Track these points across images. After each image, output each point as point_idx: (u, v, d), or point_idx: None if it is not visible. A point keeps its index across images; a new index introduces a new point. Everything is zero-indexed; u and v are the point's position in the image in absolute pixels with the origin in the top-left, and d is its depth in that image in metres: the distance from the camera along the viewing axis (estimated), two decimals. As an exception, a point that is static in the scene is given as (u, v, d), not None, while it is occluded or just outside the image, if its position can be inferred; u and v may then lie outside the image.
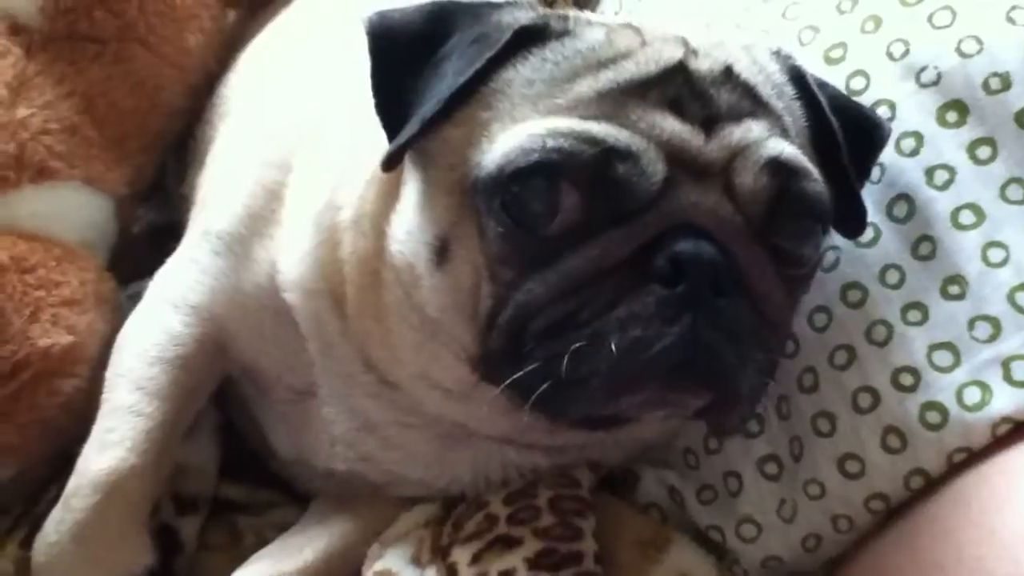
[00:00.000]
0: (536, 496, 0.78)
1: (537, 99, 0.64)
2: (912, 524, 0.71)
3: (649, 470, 0.86)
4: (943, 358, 0.72)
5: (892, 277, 0.75)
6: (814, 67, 0.82)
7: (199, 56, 1.05)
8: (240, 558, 0.86)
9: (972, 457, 0.69)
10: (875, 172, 0.77)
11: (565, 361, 0.60)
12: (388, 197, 0.73)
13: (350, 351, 0.78)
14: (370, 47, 0.68)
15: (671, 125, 0.63)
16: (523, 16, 0.68)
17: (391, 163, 0.67)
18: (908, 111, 0.76)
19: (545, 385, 0.61)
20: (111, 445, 0.80)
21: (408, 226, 0.69)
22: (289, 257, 0.79)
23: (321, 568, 0.82)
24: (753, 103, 0.66)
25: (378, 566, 0.78)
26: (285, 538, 0.86)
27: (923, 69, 0.76)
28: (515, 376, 0.63)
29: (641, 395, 0.64)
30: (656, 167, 0.61)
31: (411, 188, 0.70)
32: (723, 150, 0.64)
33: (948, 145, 0.74)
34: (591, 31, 0.68)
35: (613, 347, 0.59)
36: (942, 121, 0.75)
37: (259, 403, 0.89)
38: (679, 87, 0.65)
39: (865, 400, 0.74)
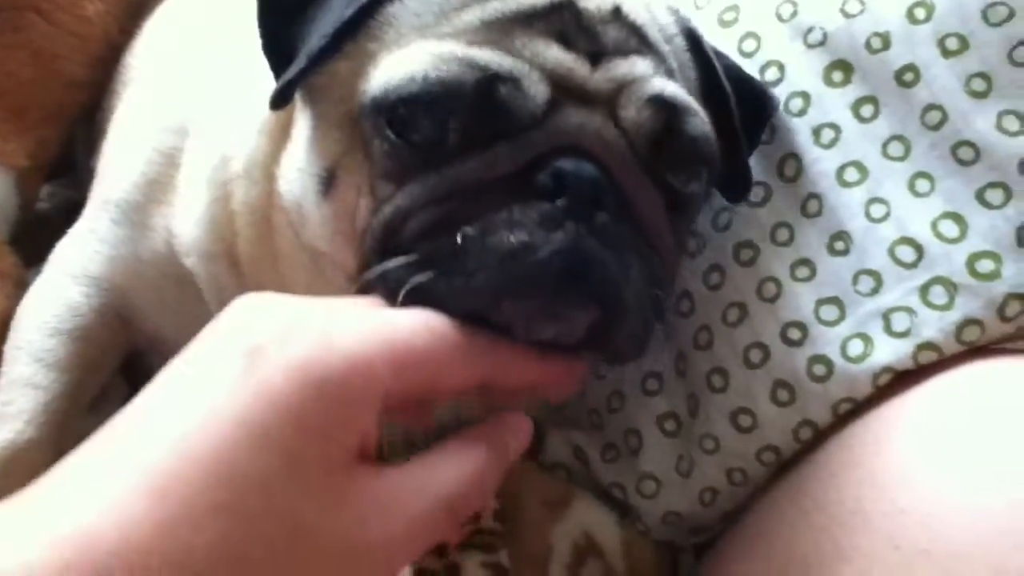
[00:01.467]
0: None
1: (424, 28, 0.64)
2: (799, 472, 0.73)
3: (555, 431, 0.87)
4: (829, 312, 0.74)
5: (782, 235, 0.77)
6: (708, 30, 0.83)
7: (100, 25, 1.03)
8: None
9: (857, 408, 0.72)
10: (766, 133, 0.79)
11: (442, 255, 0.59)
12: (278, 142, 0.72)
13: None
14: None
15: (556, 54, 0.63)
16: None
17: (280, 101, 0.65)
18: (796, 71, 0.78)
19: (420, 277, 0.58)
20: (8, 418, 0.79)
21: (298, 164, 0.69)
22: (186, 221, 0.78)
23: None
24: (640, 42, 0.67)
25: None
26: None
27: (810, 30, 0.78)
28: (386, 267, 0.60)
29: (523, 301, 0.59)
30: (539, 89, 0.61)
31: (301, 127, 0.69)
32: (608, 82, 0.64)
33: (834, 104, 0.76)
34: None
35: (493, 246, 0.58)
36: (828, 81, 0.77)
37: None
38: (566, 21, 0.65)
39: (756, 355, 0.76)
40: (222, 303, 0.78)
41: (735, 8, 0.82)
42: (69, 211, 1.20)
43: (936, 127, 0.72)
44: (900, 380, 0.70)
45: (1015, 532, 0.56)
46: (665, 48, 0.69)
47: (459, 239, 0.58)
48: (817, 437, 0.73)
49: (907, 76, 0.73)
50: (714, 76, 0.73)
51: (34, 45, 0.97)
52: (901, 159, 0.73)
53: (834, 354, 0.72)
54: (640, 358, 0.67)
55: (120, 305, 0.84)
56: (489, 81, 0.60)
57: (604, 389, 0.85)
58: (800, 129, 0.77)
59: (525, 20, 0.63)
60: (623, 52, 0.65)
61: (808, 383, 0.73)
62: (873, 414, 0.71)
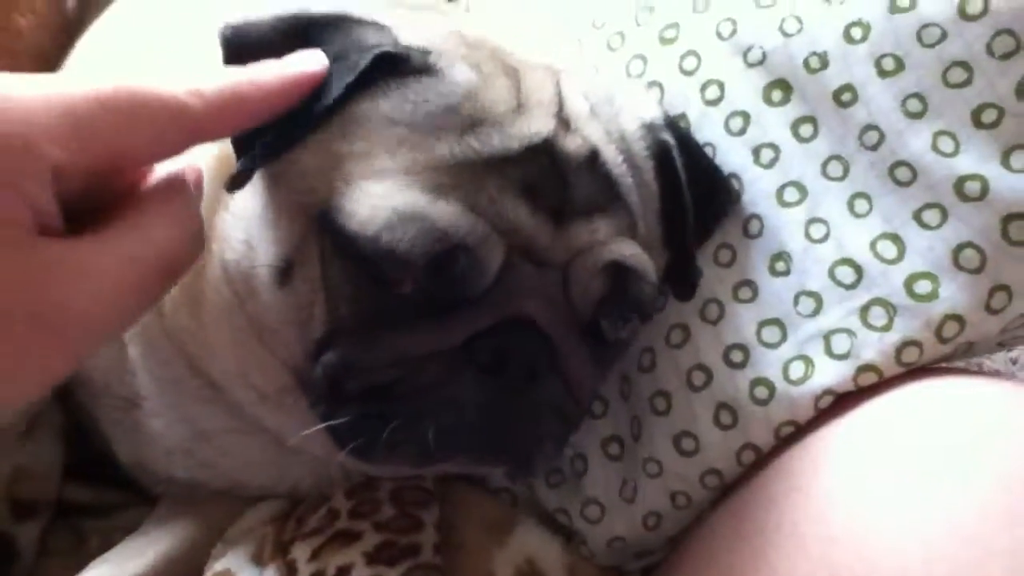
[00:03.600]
0: (378, 489, 0.77)
1: (397, 146, 0.62)
2: (741, 496, 0.72)
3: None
4: (771, 334, 0.73)
5: (724, 256, 0.76)
6: (649, 48, 0.82)
7: (32, 40, 1.00)
8: (84, 563, 0.83)
9: (799, 430, 0.71)
10: (708, 150, 0.78)
11: (376, 424, 0.63)
12: (216, 187, 0.69)
13: (173, 352, 0.75)
14: (225, 60, 0.64)
15: (522, 215, 0.63)
16: (384, 40, 0.65)
17: (237, 184, 0.63)
18: (736, 90, 0.77)
19: (356, 439, 0.64)
20: None
21: (246, 235, 0.66)
22: None
23: (163, 570, 0.80)
24: (608, 196, 0.67)
25: (217, 567, 0.76)
26: (128, 541, 0.83)
27: (749, 48, 0.77)
28: (330, 423, 0.64)
29: (445, 464, 0.68)
30: (495, 257, 0.62)
31: (249, 194, 0.67)
32: (567, 249, 0.65)
33: (773, 123, 0.76)
34: (459, 72, 0.64)
35: (425, 425, 0.62)
36: (768, 100, 0.76)
37: (94, 410, 0.85)
38: (540, 169, 0.64)
39: (699, 378, 0.75)
40: (143, 340, 0.76)
41: (675, 26, 0.81)
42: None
43: (874, 147, 0.72)
44: (840, 401, 0.70)
45: (946, 559, 0.55)
46: (633, 200, 0.68)
47: (397, 417, 0.62)
48: (759, 460, 0.72)
49: (845, 96, 0.73)
50: (678, 187, 0.72)
51: (-39, 61, 0.94)
52: (840, 179, 0.73)
53: (776, 376, 0.72)
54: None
55: None
56: (448, 252, 0.61)
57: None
58: (739, 148, 0.77)
59: (498, 166, 0.62)
60: (589, 210, 0.65)
61: (751, 406, 0.72)
62: (812, 436, 0.70)
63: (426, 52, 0.65)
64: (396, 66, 0.64)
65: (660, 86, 0.80)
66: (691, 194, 0.73)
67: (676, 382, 0.76)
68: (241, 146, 0.63)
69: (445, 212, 0.60)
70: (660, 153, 0.72)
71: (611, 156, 0.67)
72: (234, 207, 0.68)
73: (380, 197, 0.61)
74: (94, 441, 0.90)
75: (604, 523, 0.79)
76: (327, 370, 0.64)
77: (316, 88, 0.60)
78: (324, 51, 0.62)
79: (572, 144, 0.65)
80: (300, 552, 0.73)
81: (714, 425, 0.74)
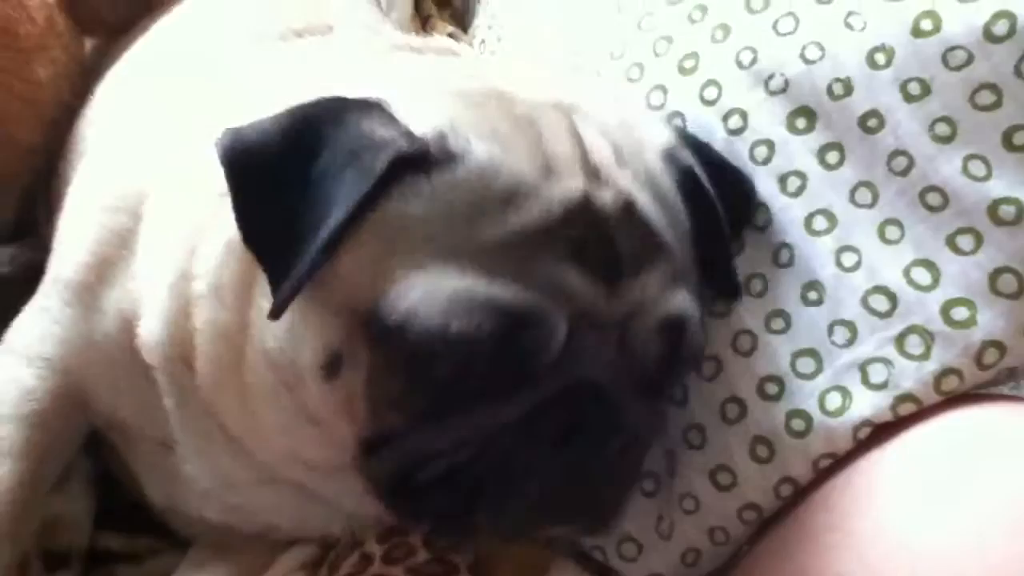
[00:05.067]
0: (410, 533, 0.76)
1: (436, 239, 0.61)
2: (782, 531, 0.71)
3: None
4: (806, 365, 0.72)
5: (756, 286, 0.75)
6: (668, 78, 0.82)
7: (52, 89, 1.01)
8: (118, 611, 0.83)
9: (837, 462, 0.70)
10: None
11: (450, 505, 0.63)
12: (252, 265, 0.67)
13: (205, 411, 0.74)
14: (228, 176, 0.62)
15: (576, 282, 0.62)
16: (393, 133, 0.62)
17: (278, 314, 0.61)
18: (759, 119, 0.76)
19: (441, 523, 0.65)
20: None
21: (289, 324, 0.65)
22: (147, 320, 0.74)
23: None
24: (650, 246, 0.66)
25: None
26: None
27: (771, 76, 0.76)
28: (403, 511, 0.66)
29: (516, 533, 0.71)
30: (560, 332, 0.61)
31: None
32: (622, 308, 0.64)
33: (799, 151, 0.75)
34: (477, 149, 0.62)
35: (512, 501, 0.63)
36: (792, 128, 0.75)
37: (128, 453, 0.85)
38: (582, 230, 0.63)
39: (732, 411, 0.74)
40: (177, 395, 0.75)
41: (695, 56, 0.81)
42: (30, 274, 1.18)
43: (903, 173, 0.71)
44: (879, 431, 0.69)
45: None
46: (672, 241, 0.67)
47: (468, 495, 0.63)
48: (797, 493, 0.71)
49: (871, 122, 0.72)
50: (712, 210, 0.72)
51: (-17, 111, 0.95)
52: (869, 206, 0.72)
53: (812, 408, 0.71)
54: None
55: (75, 388, 0.80)
56: (513, 329, 0.60)
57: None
58: (766, 177, 0.76)
59: (543, 237, 0.61)
60: (636, 265, 0.64)
61: (787, 439, 0.71)
62: (853, 468, 0.69)
63: (441, 137, 0.63)
64: (413, 162, 0.62)
65: (682, 116, 0.80)
66: (718, 200, 0.72)
67: (710, 415, 0.75)
68: (270, 263, 0.62)
69: (504, 291, 0.59)
70: (685, 180, 0.72)
71: (646, 203, 0.66)
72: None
73: (434, 288, 0.59)
74: (126, 487, 0.90)
75: (641, 560, 0.78)
76: (389, 466, 0.64)
77: (337, 193, 0.60)
78: (334, 150, 0.61)
79: (607, 197, 0.64)
80: (335, 600, 0.73)
81: (750, 458, 0.72)
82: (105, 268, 0.78)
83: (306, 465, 0.71)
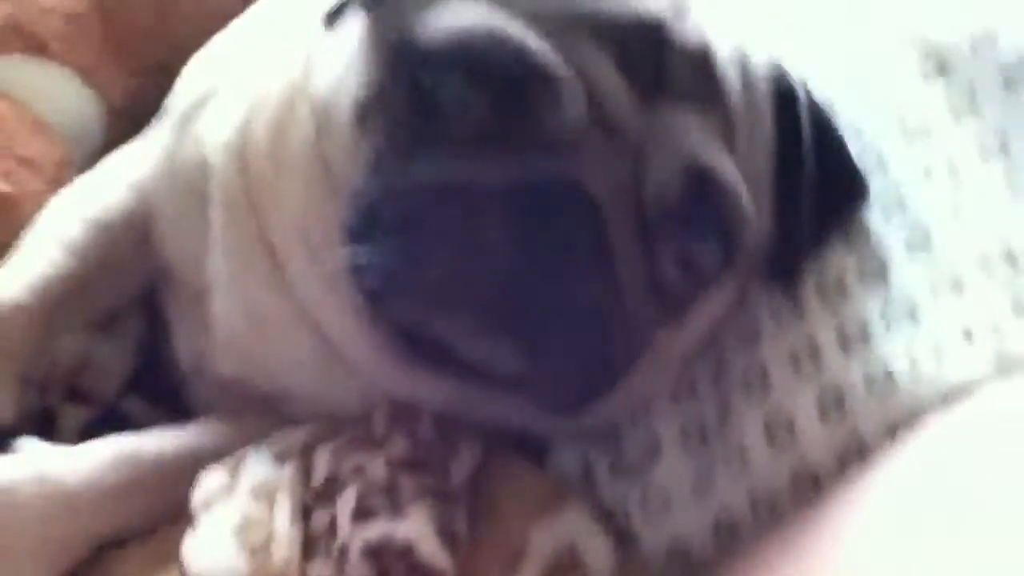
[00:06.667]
0: (421, 414, 0.69)
1: None
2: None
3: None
4: (899, 321, 0.63)
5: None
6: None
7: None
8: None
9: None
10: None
11: (395, 260, 0.57)
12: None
13: (252, 228, 0.72)
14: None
15: (605, 72, 0.57)
16: None
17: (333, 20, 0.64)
18: None
19: (377, 271, 0.57)
20: (6, 278, 0.78)
21: (345, 63, 0.65)
22: (218, 130, 0.76)
23: (185, 457, 0.74)
24: (710, 94, 0.60)
25: (232, 461, 0.70)
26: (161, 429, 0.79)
27: None
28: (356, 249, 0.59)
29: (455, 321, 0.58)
30: (570, 104, 0.56)
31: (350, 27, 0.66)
32: (649, 127, 0.57)
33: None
34: None
35: (443, 265, 0.56)
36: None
37: (167, 304, 0.86)
38: (642, 47, 0.58)
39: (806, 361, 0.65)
40: (227, 206, 0.74)
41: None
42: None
43: None
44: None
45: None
46: (738, 111, 0.61)
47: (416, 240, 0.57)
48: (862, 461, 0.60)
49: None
50: (798, 145, 0.64)
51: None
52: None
53: (902, 368, 0.61)
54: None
55: (146, 213, 0.83)
56: (525, 76, 0.56)
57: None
58: None
59: (600, 29, 0.58)
60: (684, 98, 0.58)
61: (864, 396, 0.61)
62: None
63: None
64: None
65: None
66: (815, 173, 0.64)
67: (778, 364, 0.66)
68: None
69: (531, 41, 0.56)
70: (783, 100, 0.65)
71: (724, 59, 0.61)
72: (333, 38, 0.67)
73: (467, 14, 0.58)
74: (161, 351, 0.89)
75: (667, 517, 0.67)
76: (363, 198, 0.59)
77: None
78: None
79: (685, 32, 0.59)
80: (322, 453, 0.66)
81: (817, 415, 0.63)
82: (206, 98, 0.80)
83: (310, 248, 0.67)
